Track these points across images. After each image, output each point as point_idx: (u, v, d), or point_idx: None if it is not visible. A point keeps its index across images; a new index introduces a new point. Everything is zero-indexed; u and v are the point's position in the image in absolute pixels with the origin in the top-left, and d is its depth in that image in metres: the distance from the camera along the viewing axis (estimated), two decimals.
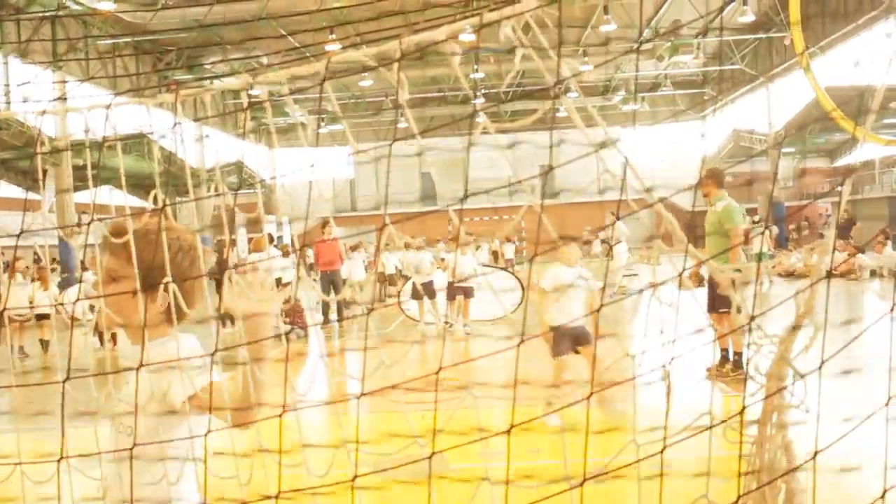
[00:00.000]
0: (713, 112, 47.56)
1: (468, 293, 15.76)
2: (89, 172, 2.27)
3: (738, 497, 1.90)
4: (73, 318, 2.68)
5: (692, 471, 2.05)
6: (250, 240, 23.08)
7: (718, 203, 9.73)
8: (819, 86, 3.25)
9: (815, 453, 1.81)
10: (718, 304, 9.00)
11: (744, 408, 1.79)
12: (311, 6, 24.20)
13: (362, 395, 1.98)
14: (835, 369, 1.97)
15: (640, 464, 1.90)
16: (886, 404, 1.88)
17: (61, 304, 13.21)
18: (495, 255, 30.91)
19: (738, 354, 9.44)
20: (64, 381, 2.30)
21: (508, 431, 1.90)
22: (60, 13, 25.17)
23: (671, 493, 1.99)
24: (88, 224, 2.34)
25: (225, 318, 12.06)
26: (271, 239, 19.35)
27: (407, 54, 1.93)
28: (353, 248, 21.95)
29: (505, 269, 20.20)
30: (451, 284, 15.56)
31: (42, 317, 15.91)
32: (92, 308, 12.31)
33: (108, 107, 2.01)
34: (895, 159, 36.04)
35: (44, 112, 2.32)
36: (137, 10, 26.84)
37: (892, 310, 1.71)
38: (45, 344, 16.01)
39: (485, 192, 1.86)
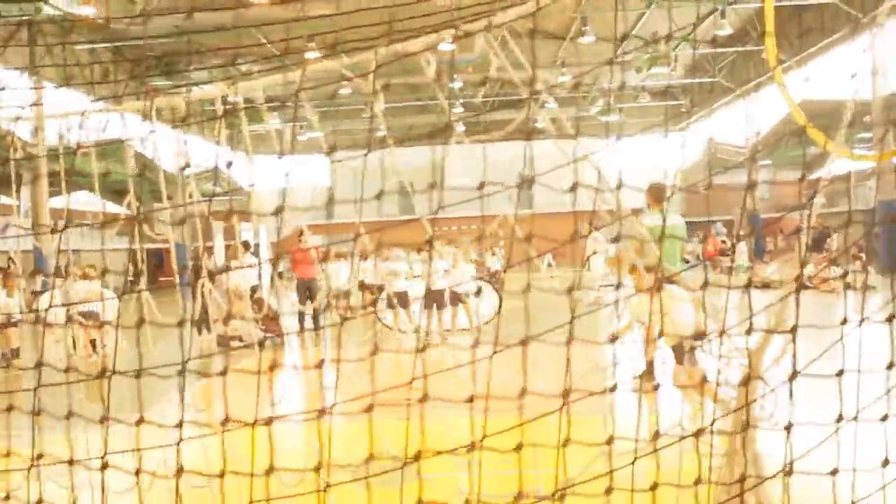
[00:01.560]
0: (687, 125, 47.80)
1: (461, 299, 15.86)
2: (62, 178, 2.26)
3: None
4: (44, 324, 2.66)
5: (663, 482, 2.06)
6: (228, 247, 22.89)
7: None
8: (792, 100, 3.28)
9: (786, 467, 1.82)
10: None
11: (714, 420, 1.80)
12: (291, 15, 24.12)
13: (333, 406, 1.98)
14: (806, 381, 1.98)
15: (610, 475, 1.91)
16: (855, 418, 1.90)
17: (35, 311, 13.05)
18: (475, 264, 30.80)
19: (650, 364, 9.57)
20: (35, 389, 2.27)
21: (481, 441, 1.90)
22: (38, 18, 24.93)
23: None
24: (62, 230, 2.32)
25: (200, 324, 11.91)
26: (247, 246, 19.17)
27: (383, 64, 1.94)
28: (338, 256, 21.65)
29: (490, 279, 20.18)
30: (433, 292, 15.50)
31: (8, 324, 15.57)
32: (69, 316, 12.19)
33: (82, 114, 2.00)
34: (870, 173, 36.32)
35: (17, 118, 2.31)
36: (116, 17, 26.63)
37: (860, 324, 1.73)
38: (14, 352, 15.71)
39: (457, 203, 1.86)
